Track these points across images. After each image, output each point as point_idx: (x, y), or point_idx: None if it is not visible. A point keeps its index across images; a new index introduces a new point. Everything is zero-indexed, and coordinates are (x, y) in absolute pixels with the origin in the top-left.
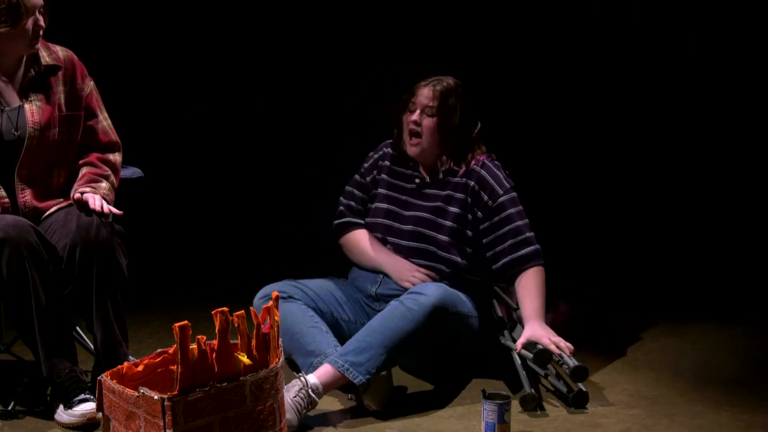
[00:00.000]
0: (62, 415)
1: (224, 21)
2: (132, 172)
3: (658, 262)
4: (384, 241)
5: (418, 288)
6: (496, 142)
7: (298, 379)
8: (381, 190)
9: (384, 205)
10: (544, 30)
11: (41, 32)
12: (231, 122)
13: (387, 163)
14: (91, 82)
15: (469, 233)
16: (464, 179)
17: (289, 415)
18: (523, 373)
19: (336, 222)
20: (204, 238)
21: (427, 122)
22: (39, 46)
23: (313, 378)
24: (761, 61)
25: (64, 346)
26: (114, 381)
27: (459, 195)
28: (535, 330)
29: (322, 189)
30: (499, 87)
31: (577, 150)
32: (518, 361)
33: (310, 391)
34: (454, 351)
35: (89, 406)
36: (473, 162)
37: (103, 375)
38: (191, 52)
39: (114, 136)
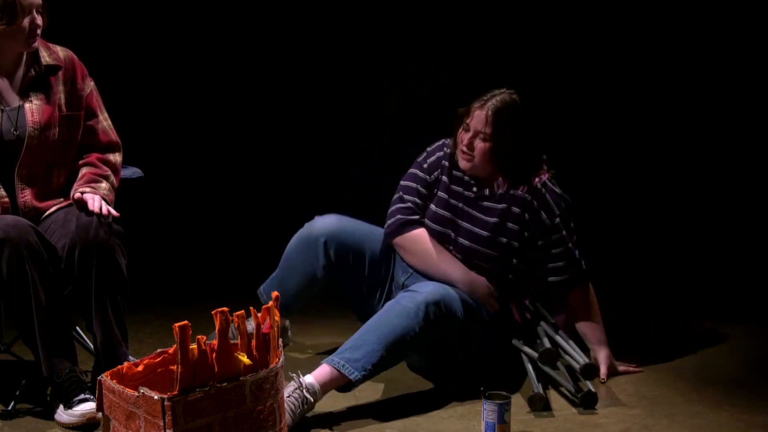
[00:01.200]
0: (62, 415)
1: (224, 21)
2: (132, 172)
3: (658, 262)
4: None
5: (415, 286)
6: None
7: (293, 380)
8: (440, 193)
9: (442, 212)
10: (545, 29)
11: (39, 31)
12: (231, 122)
13: (446, 163)
14: (92, 82)
15: (522, 248)
16: (524, 194)
17: None
18: (531, 373)
19: (404, 218)
20: (204, 237)
21: (480, 146)
22: (38, 45)
23: (309, 378)
24: (763, 63)
25: (64, 346)
26: (114, 381)
27: (516, 209)
28: (607, 356)
29: (322, 189)
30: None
31: (576, 150)
32: (527, 361)
33: (305, 391)
34: (454, 352)
35: (89, 406)
36: (535, 180)
37: (103, 375)
38: (191, 52)
39: (114, 136)
